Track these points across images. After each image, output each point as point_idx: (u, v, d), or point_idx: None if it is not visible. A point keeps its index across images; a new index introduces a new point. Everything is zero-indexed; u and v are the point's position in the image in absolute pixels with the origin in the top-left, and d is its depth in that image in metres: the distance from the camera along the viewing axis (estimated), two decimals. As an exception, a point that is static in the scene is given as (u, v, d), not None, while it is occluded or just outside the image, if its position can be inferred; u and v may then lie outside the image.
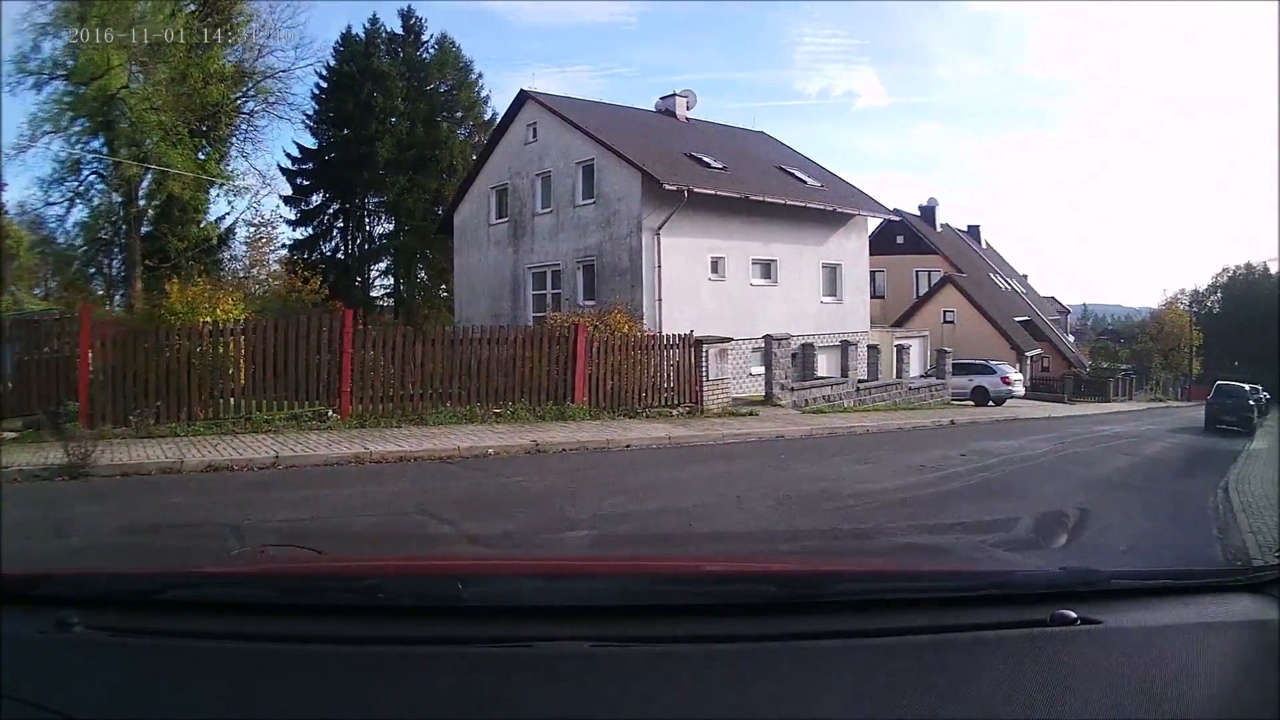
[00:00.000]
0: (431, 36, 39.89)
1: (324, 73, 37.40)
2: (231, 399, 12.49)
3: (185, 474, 9.45)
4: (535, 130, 25.75)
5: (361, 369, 13.32)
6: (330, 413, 12.81)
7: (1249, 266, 65.00)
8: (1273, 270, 63.74)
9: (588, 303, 21.83)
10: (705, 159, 23.55)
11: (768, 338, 19.57)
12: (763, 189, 23.06)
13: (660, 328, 19.06)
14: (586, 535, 6.43)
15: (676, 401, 16.54)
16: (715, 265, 22.31)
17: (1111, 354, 40.88)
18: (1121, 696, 1.41)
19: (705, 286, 21.95)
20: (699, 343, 17.02)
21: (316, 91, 37.65)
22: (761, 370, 20.19)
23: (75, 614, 1.55)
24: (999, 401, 25.68)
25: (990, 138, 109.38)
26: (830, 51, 79.61)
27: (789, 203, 23.22)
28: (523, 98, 26.04)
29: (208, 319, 13.37)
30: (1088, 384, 35.42)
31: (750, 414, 17.01)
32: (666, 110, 27.26)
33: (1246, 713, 1.44)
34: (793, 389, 19.81)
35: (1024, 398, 27.13)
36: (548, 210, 25.07)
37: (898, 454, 12.97)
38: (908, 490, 9.46)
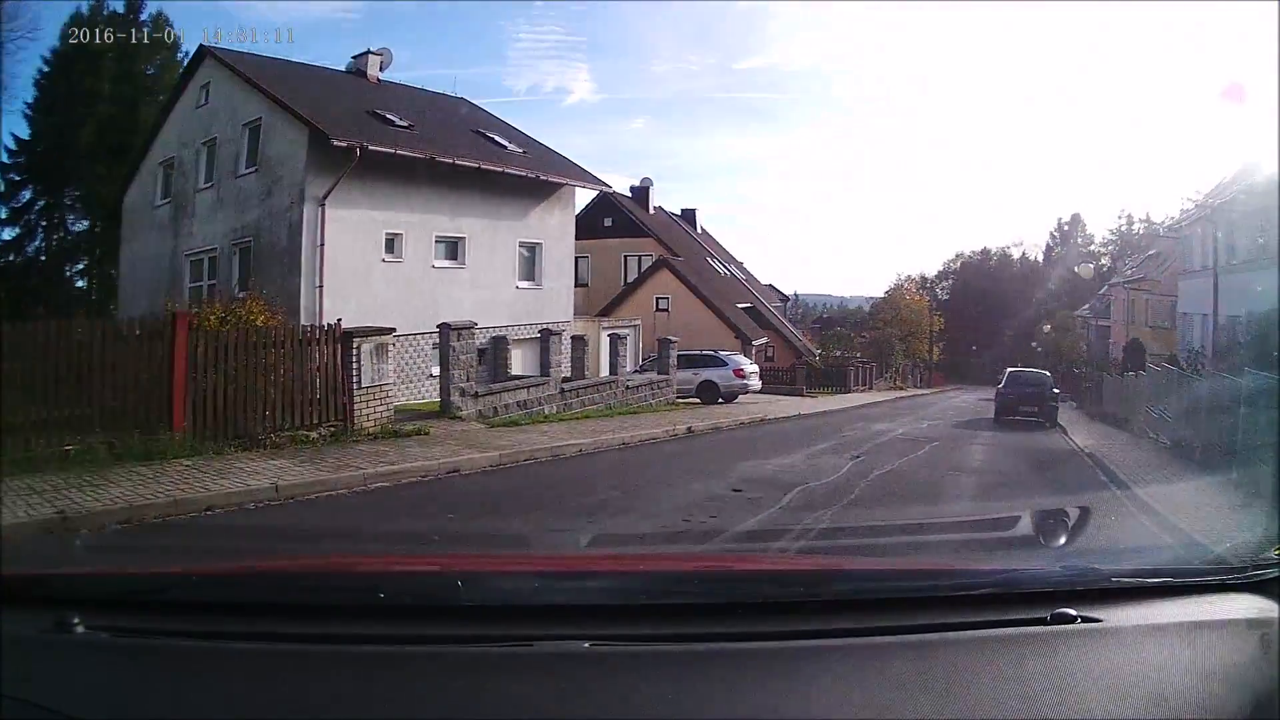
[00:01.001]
0: (150, 17, 35.63)
1: (48, 56, 33.36)
2: None
3: None
4: (208, 92, 21.47)
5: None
6: None
7: (985, 252, 69.60)
8: (1014, 255, 68.90)
9: (244, 294, 17.42)
10: (390, 116, 19.95)
11: (444, 327, 15.50)
12: (453, 151, 19.61)
13: (320, 320, 15.12)
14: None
15: (320, 419, 12.44)
16: (391, 244, 18.67)
17: (846, 341, 40.94)
18: (1122, 695, 1.42)
19: (378, 269, 18.29)
20: (348, 336, 12.92)
21: (38, 76, 33.52)
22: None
23: (75, 614, 1.55)
24: (729, 398, 23.21)
25: (702, 131, 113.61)
26: (546, 48, 79.12)
27: (483, 167, 19.79)
28: (201, 54, 21.67)
29: None
30: (824, 374, 34.50)
31: (418, 432, 13.14)
32: (358, 70, 23.31)
33: (1246, 711, 1.43)
34: (478, 394, 15.91)
35: (759, 391, 25.29)
36: (209, 185, 20.86)
37: (639, 499, 9.02)
38: None
